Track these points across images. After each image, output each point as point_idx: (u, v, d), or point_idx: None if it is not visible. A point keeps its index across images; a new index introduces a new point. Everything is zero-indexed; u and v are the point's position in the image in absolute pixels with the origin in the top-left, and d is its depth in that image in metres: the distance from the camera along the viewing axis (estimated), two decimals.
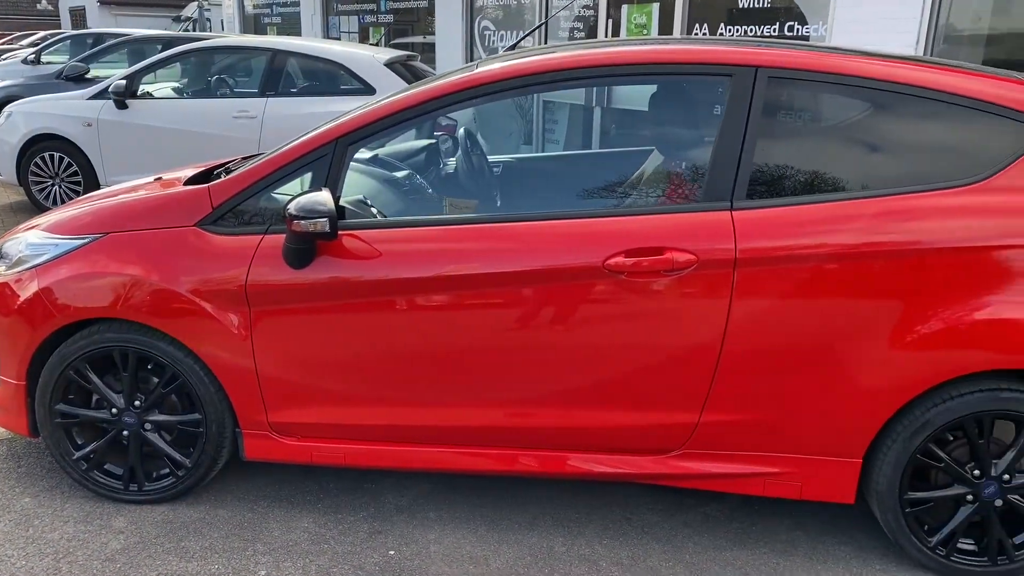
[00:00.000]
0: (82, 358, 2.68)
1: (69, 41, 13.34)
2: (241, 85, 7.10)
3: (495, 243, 2.43)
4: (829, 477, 2.45)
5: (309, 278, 2.49)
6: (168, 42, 9.72)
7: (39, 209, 6.81)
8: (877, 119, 2.39)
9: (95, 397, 2.77)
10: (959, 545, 2.46)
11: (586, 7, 8.12)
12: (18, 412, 2.81)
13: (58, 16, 31.18)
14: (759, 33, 6.69)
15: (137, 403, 2.73)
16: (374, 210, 2.73)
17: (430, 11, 10.11)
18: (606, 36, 7.88)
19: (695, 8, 7.12)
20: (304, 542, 2.63)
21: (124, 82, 6.51)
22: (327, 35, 11.81)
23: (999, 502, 2.39)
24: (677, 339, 2.37)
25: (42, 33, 19.07)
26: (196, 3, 20.21)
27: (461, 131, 3.56)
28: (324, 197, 2.39)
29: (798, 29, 6.47)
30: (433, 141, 3.76)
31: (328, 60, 6.41)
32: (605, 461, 2.56)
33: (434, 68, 9.35)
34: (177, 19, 24.11)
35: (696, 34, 7.14)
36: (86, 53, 10.56)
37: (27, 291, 2.69)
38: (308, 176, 2.60)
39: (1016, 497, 2.39)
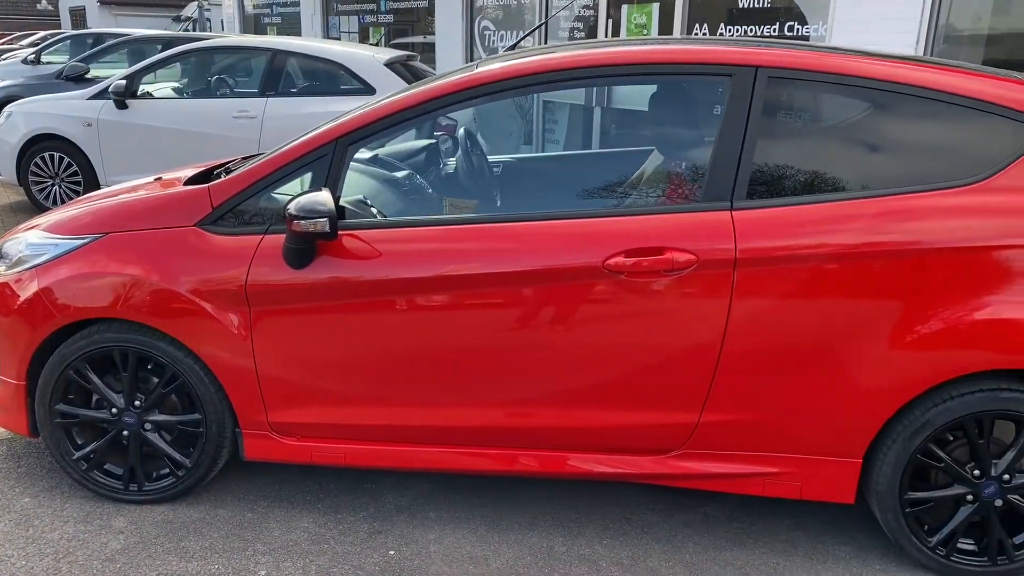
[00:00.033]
0: (82, 358, 2.68)
1: (69, 41, 13.35)
2: (241, 85, 7.10)
3: (495, 243, 2.43)
4: (829, 477, 2.45)
5: (309, 278, 2.49)
6: (168, 42, 9.72)
7: (39, 209, 6.81)
8: (877, 119, 2.39)
9: (95, 397, 2.77)
10: (959, 545, 2.46)
11: (586, 7, 8.12)
12: (18, 412, 2.81)
13: (58, 16, 31.18)
14: (759, 33, 6.69)
15: (137, 403, 2.73)
16: (374, 210, 2.73)
17: (430, 11, 10.11)
18: (606, 36, 7.88)
19: (695, 8, 7.12)
20: (304, 542, 2.63)
21: (124, 82, 6.51)
22: (327, 35, 11.81)
23: (999, 502, 2.39)
24: (677, 339, 2.37)
25: (42, 33, 19.07)
26: (196, 3, 20.21)
27: (461, 131, 3.56)
28: (324, 197, 2.39)
29: (798, 29, 6.47)
30: (433, 141, 3.76)
31: (328, 60, 6.41)
32: (605, 461, 2.56)
33: (434, 68, 9.35)
34: (177, 19, 24.11)
35: (696, 34, 7.14)
36: (86, 53, 10.56)
37: (27, 291, 2.69)
38: (308, 176, 2.60)
39: (1016, 497, 2.39)
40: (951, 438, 2.41)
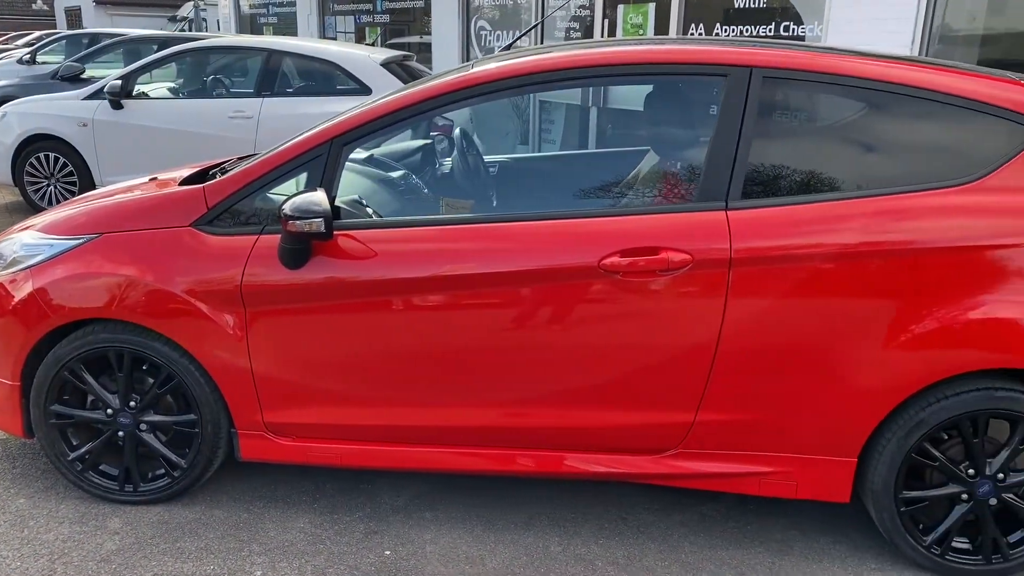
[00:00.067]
0: (77, 359, 2.68)
1: (65, 41, 13.32)
2: (237, 85, 7.08)
3: (491, 243, 2.43)
4: (824, 476, 2.45)
5: (304, 278, 2.48)
6: (164, 42, 9.70)
7: (34, 209, 6.80)
8: (872, 119, 2.39)
9: (90, 398, 2.77)
10: (954, 544, 2.46)
11: (582, 7, 8.13)
12: (13, 413, 2.81)
13: (54, 16, 31.11)
14: (755, 33, 6.69)
15: (132, 404, 2.73)
16: (370, 210, 2.73)
17: (426, 11, 10.11)
18: (602, 36, 7.88)
19: (691, 8, 7.13)
20: (300, 542, 2.63)
21: (119, 82, 6.49)
22: (323, 35, 11.80)
23: (993, 501, 2.39)
24: (672, 339, 2.37)
25: (37, 33, 19.03)
26: (192, 3, 20.18)
27: (457, 131, 3.56)
28: (319, 197, 2.38)
29: (794, 29, 6.48)
30: (429, 141, 3.76)
31: (324, 60, 6.40)
32: (601, 461, 2.56)
33: (430, 68, 9.35)
34: (173, 19, 24.08)
35: (692, 34, 7.15)
36: (82, 53, 10.55)
37: (22, 292, 2.68)
38: (303, 176, 2.60)
39: (1010, 496, 2.39)
40: (946, 437, 2.41)
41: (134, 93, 6.58)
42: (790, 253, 2.28)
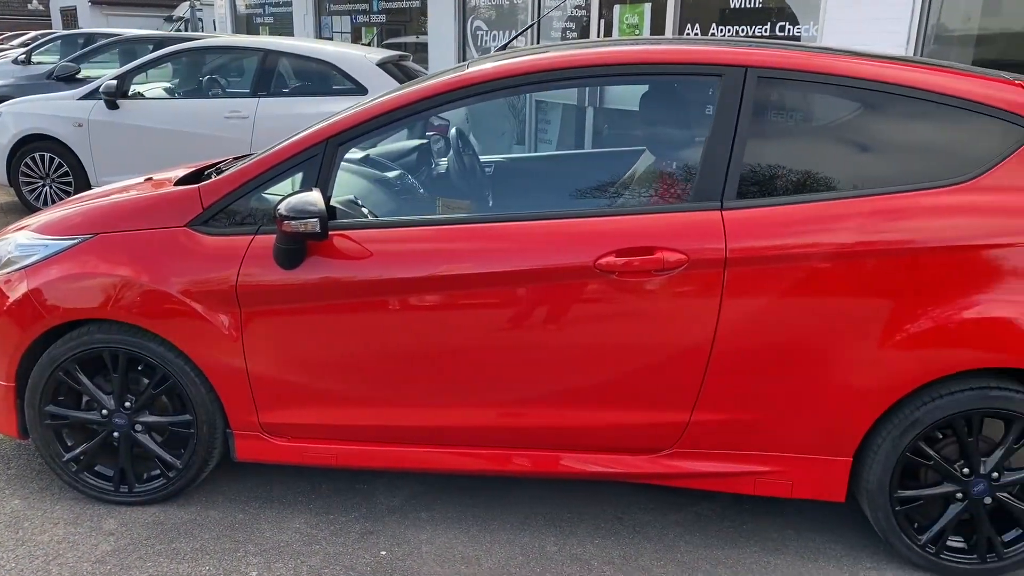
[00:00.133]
0: (72, 359, 2.67)
1: (60, 41, 13.29)
2: (233, 85, 7.08)
3: (487, 243, 2.43)
4: (819, 475, 2.46)
5: (300, 278, 2.48)
6: (160, 42, 9.69)
7: (30, 210, 6.78)
8: (867, 119, 2.40)
9: (85, 398, 2.76)
10: (949, 543, 2.47)
11: (578, 7, 8.13)
12: (7, 413, 2.80)
13: (49, 16, 31.04)
14: (751, 33, 6.70)
15: (127, 404, 2.72)
16: (365, 210, 2.73)
17: (423, 11, 10.10)
18: (598, 36, 7.89)
19: (687, 8, 7.14)
20: (296, 543, 2.62)
21: (115, 82, 6.48)
22: (319, 35, 11.79)
23: (988, 500, 2.40)
24: (668, 338, 2.37)
25: (33, 33, 18.99)
26: (188, 3, 20.15)
27: (453, 131, 3.56)
28: (314, 197, 2.38)
29: (789, 29, 6.49)
30: (425, 141, 3.76)
31: (320, 60, 6.39)
32: (597, 460, 2.56)
33: (427, 68, 9.34)
34: (169, 19, 24.03)
35: (688, 34, 7.16)
36: (77, 53, 10.53)
37: (16, 292, 2.68)
38: (299, 176, 2.59)
39: (1005, 495, 2.40)
40: (940, 436, 2.42)
41: (130, 93, 6.57)
42: (785, 253, 2.28)
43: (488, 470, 2.60)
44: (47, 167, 6.77)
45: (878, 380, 2.31)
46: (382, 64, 6.37)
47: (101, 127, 6.54)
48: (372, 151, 3.44)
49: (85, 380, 2.71)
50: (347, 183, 2.89)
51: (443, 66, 8.61)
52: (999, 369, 2.34)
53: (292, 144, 2.60)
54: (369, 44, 10.82)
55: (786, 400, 2.39)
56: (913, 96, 2.35)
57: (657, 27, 7.39)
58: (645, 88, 3.01)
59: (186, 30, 20.11)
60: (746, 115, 2.38)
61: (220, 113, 6.33)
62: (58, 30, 22.24)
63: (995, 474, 2.38)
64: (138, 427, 2.74)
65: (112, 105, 6.49)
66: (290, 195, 2.42)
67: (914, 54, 5.70)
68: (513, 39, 4.27)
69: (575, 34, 8.28)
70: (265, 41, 7.15)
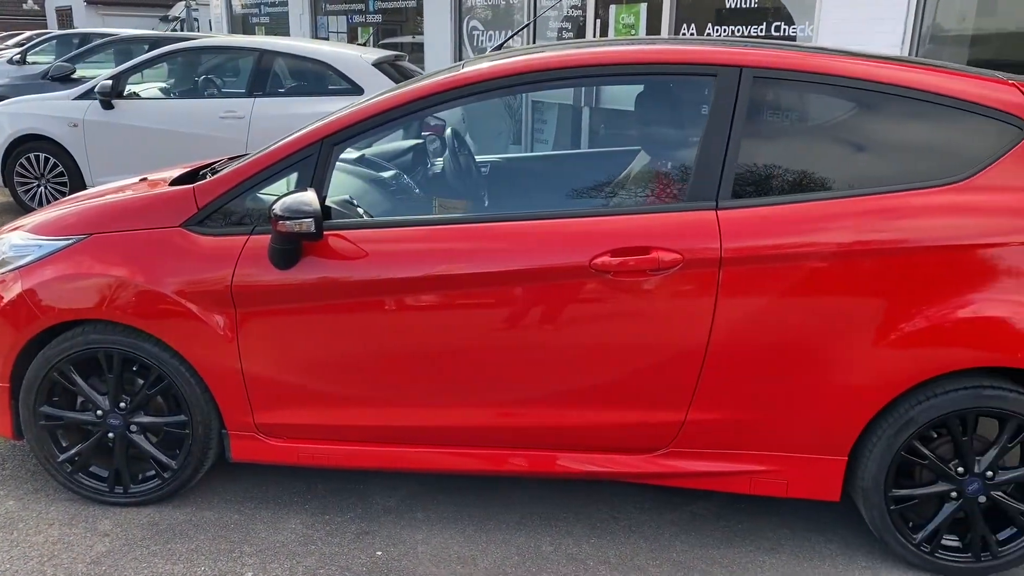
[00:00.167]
0: (67, 360, 2.67)
1: (55, 41, 13.26)
2: (228, 85, 7.07)
3: (482, 243, 2.43)
4: (815, 475, 2.46)
5: (295, 279, 2.48)
6: (155, 42, 9.67)
7: (25, 210, 6.76)
8: (861, 119, 2.40)
9: (80, 399, 2.76)
10: (943, 542, 2.48)
11: (574, 7, 8.13)
12: (2, 414, 2.79)
13: (44, 16, 30.97)
14: (746, 33, 6.71)
15: (122, 405, 2.72)
16: (360, 210, 2.72)
17: (419, 11, 10.10)
18: (594, 36, 7.89)
19: (683, 8, 7.14)
20: (291, 543, 2.62)
21: (110, 82, 6.47)
22: (315, 35, 11.78)
23: (983, 499, 2.41)
24: (663, 338, 2.37)
25: (28, 33, 18.94)
26: (184, 3, 20.12)
27: (448, 131, 3.56)
28: (309, 197, 2.38)
29: (785, 29, 6.50)
30: (420, 141, 3.76)
31: (316, 60, 6.39)
32: (593, 460, 2.56)
33: (423, 68, 9.35)
34: (164, 19, 24.01)
35: (684, 34, 7.16)
36: (72, 53, 10.50)
37: (10, 293, 2.67)
38: (294, 176, 2.59)
39: (999, 494, 2.41)
40: (935, 435, 2.42)
41: (125, 93, 6.56)
42: (780, 252, 2.29)
43: (484, 470, 2.60)
44: (42, 167, 6.76)
45: (873, 379, 2.31)
46: (378, 64, 6.37)
47: (96, 127, 6.53)
48: (368, 151, 3.44)
49: (80, 381, 2.70)
50: (342, 183, 2.89)
51: (439, 66, 8.61)
52: (993, 368, 2.35)
53: (287, 144, 2.60)
54: (365, 44, 10.81)
55: (781, 399, 2.39)
56: (908, 96, 2.35)
57: (653, 27, 7.40)
58: (641, 88, 3.01)
59: (182, 30, 20.10)
60: (741, 115, 2.38)
61: (215, 113, 6.32)
62: (53, 30, 22.19)
63: (989, 473, 2.39)
64: (133, 428, 2.73)
65: (107, 105, 6.48)
66: (285, 195, 2.42)
67: (909, 54, 5.71)
68: (509, 39, 4.27)
69: (571, 34, 8.28)
70: (261, 41, 7.15)
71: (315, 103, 6.10)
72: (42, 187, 6.83)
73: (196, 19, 20.17)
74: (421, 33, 10.10)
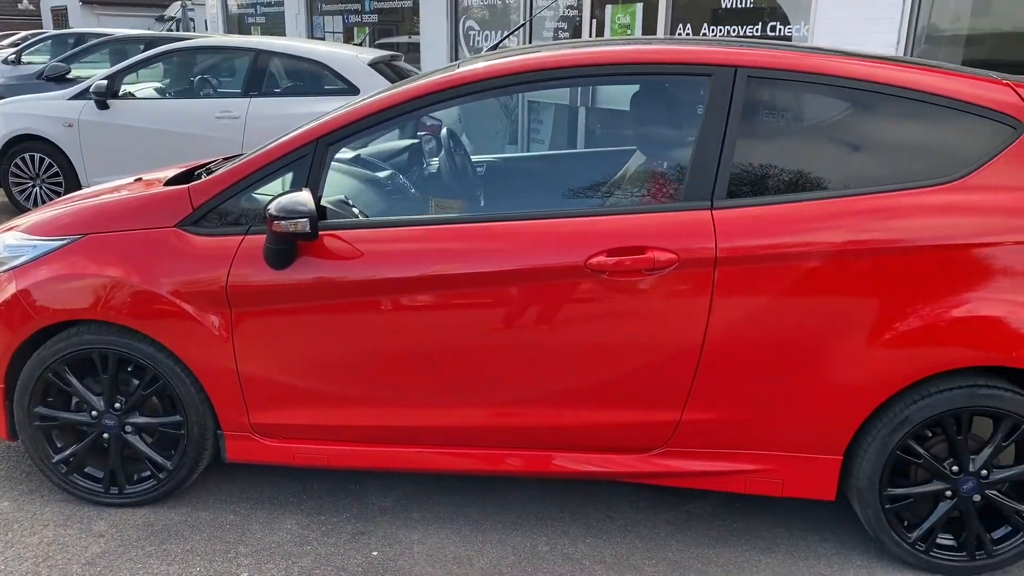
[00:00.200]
0: (61, 360, 2.66)
1: (50, 41, 13.23)
2: (224, 85, 7.05)
3: (478, 243, 2.43)
4: (810, 474, 2.46)
5: (290, 279, 2.48)
6: (151, 42, 9.65)
7: (19, 211, 6.75)
8: (856, 119, 2.40)
9: (75, 400, 2.75)
10: (938, 540, 2.48)
11: (570, 7, 8.13)
12: None
13: (39, 16, 30.90)
14: (742, 33, 6.72)
15: (117, 405, 2.71)
16: (356, 210, 2.72)
17: (415, 11, 10.09)
18: (590, 36, 7.89)
19: (678, 8, 7.15)
20: (287, 543, 2.62)
21: (105, 82, 6.45)
22: (311, 35, 11.77)
23: (977, 497, 2.41)
24: (659, 338, 2.38)
25: (23, 33, 18.90)
26: (179, 3, 20.09)
27: (444, 131, 3.55)
28: (304, 197, 2.38)
29: (780, 29, 6.51)
30: (416, 141, 3.76)
31: (312, 60, 6.38)
32: (589, 460, 2.56)
33: (419, 68, 9.34)
34: (160, 19, 23.98)
35: (679, 34, 7.17)
36: (67, 53, 10.48)
37: (5, 293, 2.67)
38: (289, 176, 2.59)
39: (994, 493, 2.41)
40: (930, 434, 2.43)
41: (120, 93, 6.54)
42: (775, 252, 2.29)
43: (480, 470, 2.60)
44: (37, 167, 6.74)
45: (867, 378, 2.32)
46: (374, 64, 6.36)
47: (91, 127, 6.51)
48: (363, 151, 3.44)
49: (75, 381, 2.69)
50: (338, 183, 2.89)
51: (435, 66, 8.61)
52: (987, 367, 2.35)
53: (282, 144, 2.60)
54: (361, 44, 10.80)
55: (777, 399, 2.39)
56: (903, 96, 2.36)
57: (649, 27, 7.41)
58: (636, 88, 3.01)
59: (177, 30, 20.07)
60: (736, 115, 2.39)
61: (211, 113, 6.32)
62: (48, 30, 22.14)
63: (984, 472, 2.39)
64: (128, 428, 2.73)
65: (102, 105, 6.46)
66: (280, 195, 2.41)
67: (905, 54, 5.73)
68: (504, 39, 4.27)
69: (567, 34, 8.28)
70: (256, 41, 7.14)
71: (311, 103, 6.10)
72: (37, 187, 6.82)
73: (192, 19, 20.14)
74: (417, 33, 10.10)
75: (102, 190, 3.07)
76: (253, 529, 2.69)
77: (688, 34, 7.11)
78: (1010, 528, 2.45)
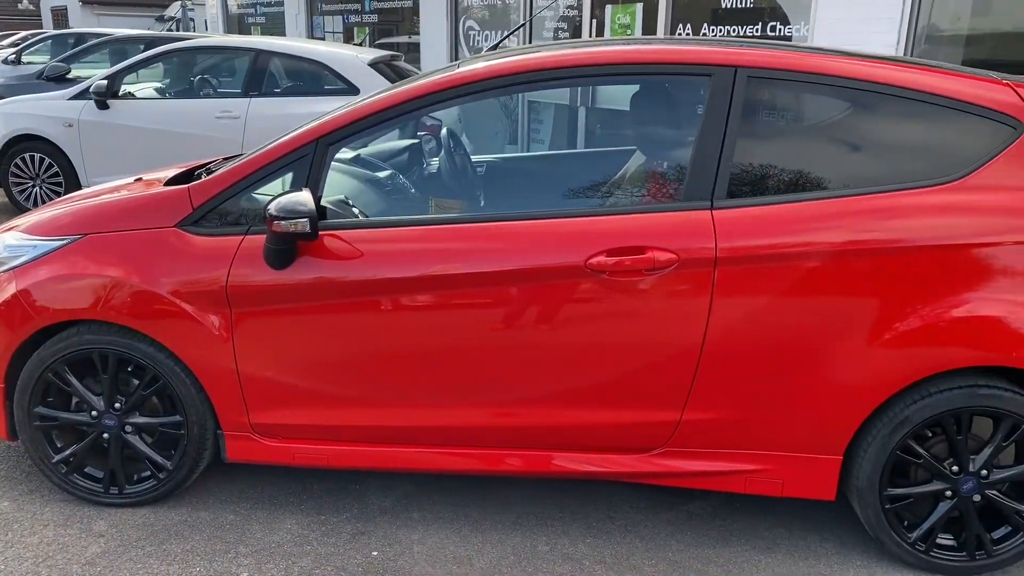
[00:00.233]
0: (61, 360, 2.66)
1: (50, 41, 13.23)
2: (224, 85, 7.05)
3: (478, 243, 2.43)
4: (810, 474, 2.46)
5: (290, 279, 2.48)
6: (151, 42, 9.65)
7: (19, 211, 6.75)
8: (856, 119, 2.40)
9: (75, 400, 2.75)
10: (938, 540, 2.48)
11: (570, 7, 8.13)
12: None
13: (39, 16, 30.90)
14: (742, 33, 6.72)
15: (117, 405, 2.71)
16: (356, 210, 2.72)
17: (415, 11, 10.09)
18: (590, 36, 7.89)
19: (678, 8, 7.15)
20: (287, 544, 2.62)
21: (105, 82, 6.45)
22: (311, 35, 11.77)
23: (977, 497, 2.41)
24: (659, 337, 2.38)
25: (23, 33, 18.89)
26: (179, 3, 20.10)
27: (444, 131, 3.56)
28: (304, 197, 2.38)
29: (780, 29, 6.51)
30: (416, 141, 3.76)
31: (312, 60, 6.38)
32: (589, 460, 2.56)
33: (419, 68, 9.34)
34: (160, 19, 23.98)
35: (679, 34, 7.17)
36: (67, 53, 10.49)
37: (5, 293, 2.67)
38: (289, 176, 2.59)
39: (994, 492, 2.41)
40: (930, 434, 2.43)
41: (120, 93, 6.54)
42: (775, 252, 2.29)
43: (480, 470, 2.60)
44: (37, 167, 6.74)
45: (868, 378, 2.32)
46: (374, 64, 6.36)
47: (91, 127, 6.51)
48: (363, 151, 3.44)
49: (75, 381, 2.70)
50: (338, 183, 2.89)
51: (435, 66, 8.60)
52: (987, 367, 2.35)
53: (282, 144, 2.60)
54: (361, 44, 10.80)
55: (776, 399, 2.39)
56: (903, 96, 2.36)
57: (649, 27, 7.41)
58: (636, 88, 3.01)
59: (177, 30, 20.07)
60: (736, 115, 2.39)
61: (211, 113, 6.32)
62: (48, 30, 22.14)
63: (984, 472, 2.39)
64: (128, 428, 2.73)
65: (102, 105, 6.46)
66: (280, 195, 2.41)
67: (904, 54, 5.73)
68: (504, 39, 4.27)
69: (567, 34, 8.28)
70: (256, 41, 7.14)
71: (311, 103, 6.09)
72: (37, 187, 6.82)
73: (192, 19, 20.14)
74: (417, 33, 10.10)
75: (102, 190, 3.07)
76: (253, 529, 2.69)
77: (688, 34, 7.11)
78: (1010, 528, 2.45)
